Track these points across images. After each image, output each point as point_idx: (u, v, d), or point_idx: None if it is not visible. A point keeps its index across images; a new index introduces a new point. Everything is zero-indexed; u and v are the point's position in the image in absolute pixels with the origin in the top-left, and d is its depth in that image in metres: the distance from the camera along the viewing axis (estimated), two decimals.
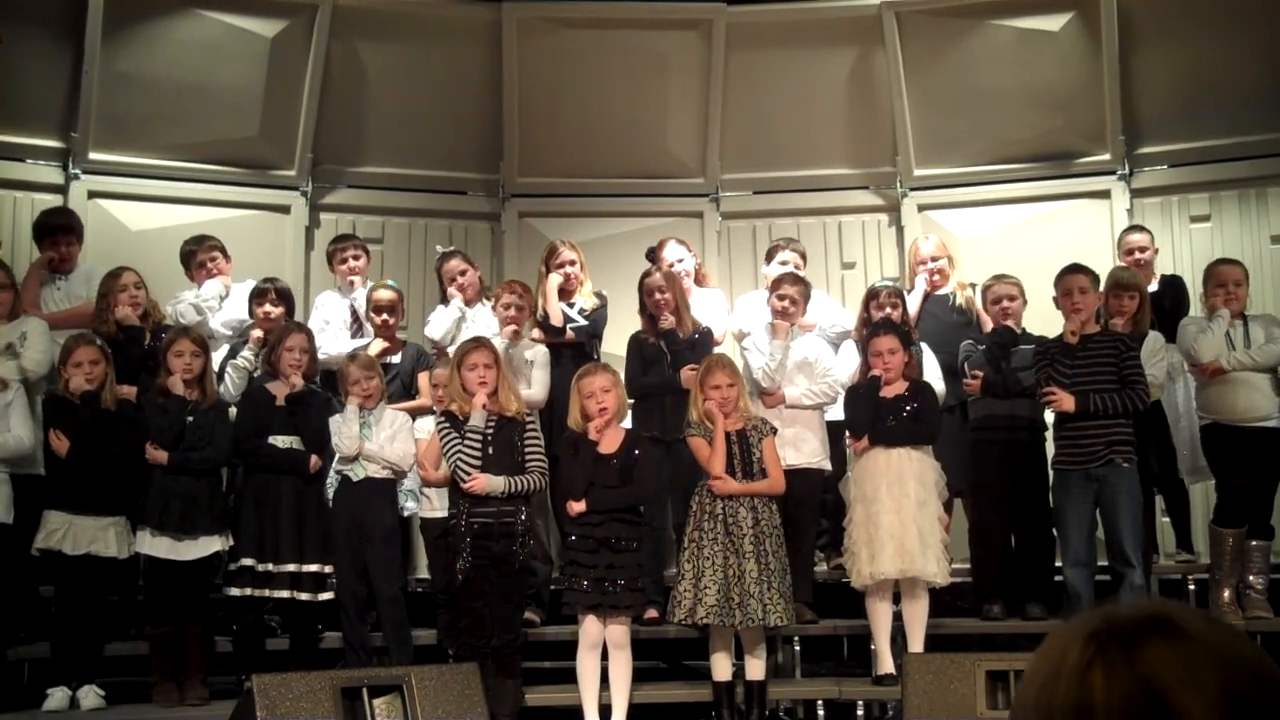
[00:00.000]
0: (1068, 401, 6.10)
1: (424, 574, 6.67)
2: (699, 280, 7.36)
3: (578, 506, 5.71)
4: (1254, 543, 6.31)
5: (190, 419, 5.95)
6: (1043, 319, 6.75)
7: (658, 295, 6.61)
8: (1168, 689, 1.07)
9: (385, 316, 6.75)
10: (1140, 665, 1.09)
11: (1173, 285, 7.17)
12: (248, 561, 5.87)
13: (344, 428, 6.06)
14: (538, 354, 6.63)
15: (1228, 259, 6.85)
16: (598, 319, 6.93)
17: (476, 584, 5.75)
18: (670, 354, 6.56)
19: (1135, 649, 1.10)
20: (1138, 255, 7.21)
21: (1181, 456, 6.74)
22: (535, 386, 6.50)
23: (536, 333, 6.80)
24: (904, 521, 5.85)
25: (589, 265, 7.13)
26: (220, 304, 6.99)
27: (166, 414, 5.92)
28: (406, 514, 6.43)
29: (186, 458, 5.88)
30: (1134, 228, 7.54)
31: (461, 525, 5.77)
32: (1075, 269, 6.41)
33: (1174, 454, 6.73)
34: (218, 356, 6.61)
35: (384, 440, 6.10)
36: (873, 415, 6.06)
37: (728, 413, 5.87)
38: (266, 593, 5.90)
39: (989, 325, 6.77)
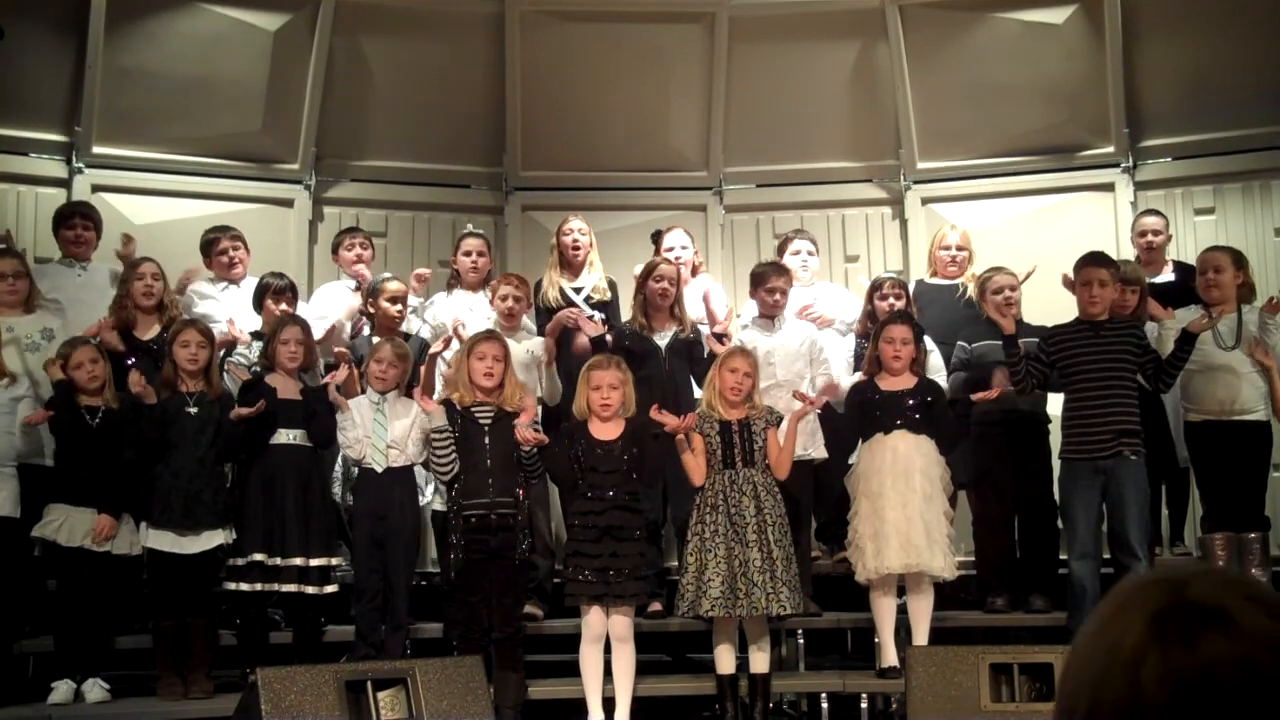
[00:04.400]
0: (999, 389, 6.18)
1: (431, 567, 6.68)
2: (694, 272, 7.38)
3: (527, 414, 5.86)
4: (1251, 535, 6.30)
5: (194, 410, 5.95)
6: (1044, 311, 6.74)
7: (665, 284, 6.59)
8: (1216, 695, 1.03)
9: (400, 307, 6.77)
10: (1192, 666, 1.04)
11: (1189, 274, 7.14)
12: (256, 556, 5.87)
13: (349, 431, 6.05)
14: (540, 346, 6.64)
15: (1215, 246, 6.84)
16: (613, 311, 6.96)
17: (472, 577, 5.75)
18: (667, 348, 6.56)
19: (1191, 645, 1.05)
20: (1150, 238, 7.20)
21: (1181, 441, 6.72)
22: (548, 382, 6.52)
23: (584, 337, 6.74)
24: (910, 516, 5.85)
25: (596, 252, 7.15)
26: (220, 295, 7.00)
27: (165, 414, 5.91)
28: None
29: (204, 454, 5.90)
30: (1150, 211, 7.52)
31: (455, 518, 5.77)
32: (1099, 261, 6.29)
33: (1173, 443, 6.73)
34: None
35: (401, 432, 6.08)
36: (873, 416, 6.06)
37: (736, 401, 5.87)
38: (274, 586, 5.90)
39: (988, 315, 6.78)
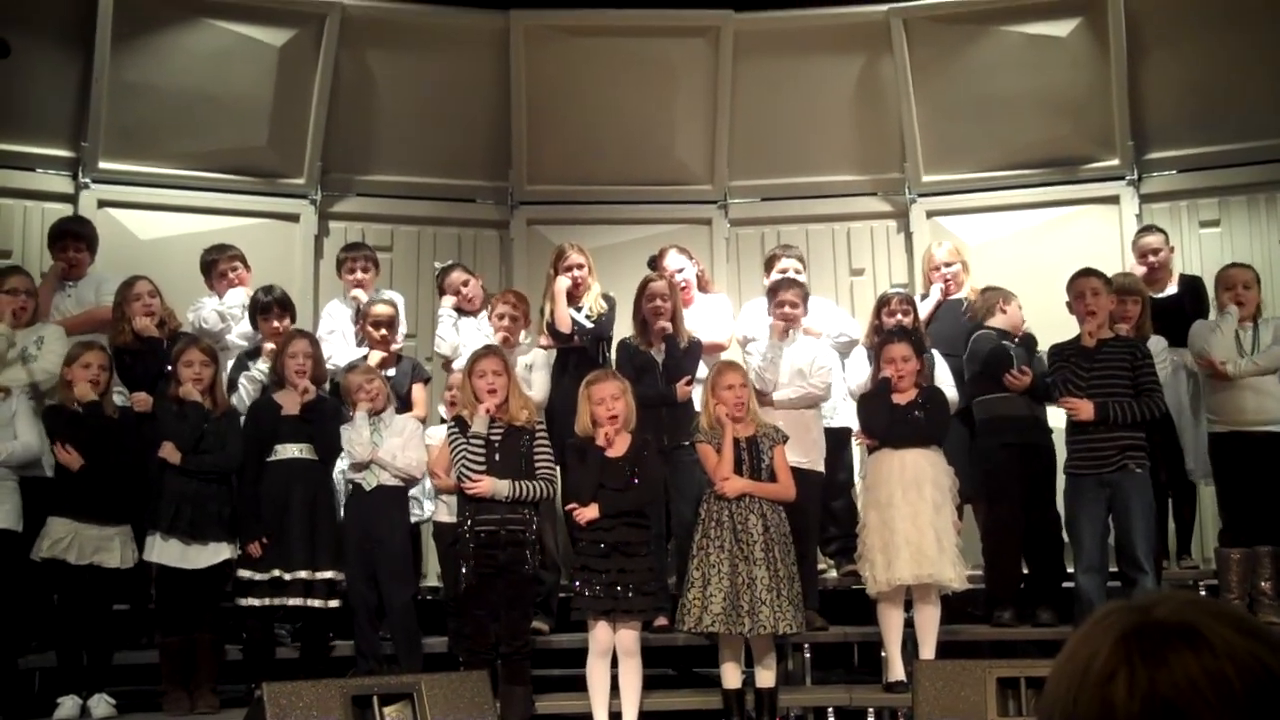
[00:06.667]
0: (1086, 410, 6.09)
1: (434, 581, 6.67)
2: (703, 286, 7.34)
3: (589, 513, 5.70)
4: (1265, 548, 6.27)
5: (204, 426, 5.97)
6: (1051, 327, 6.73)
7: (659, 301, 6.58)
8: (1188, 710, 1.03)
9: (384, 332, 6.76)
10: (1163, 682, 1.04)
11: (1193, 286, 7.13)
12: (264, 572, 5.87)
13: (355, 434, 6.08)
14: (535, 358, 6.66)
15: (1238, 263, 6.85)
16: (605, 322, 6.89)
17: (480, 592, 5.75)
18: (664, 364, 6.55)
19: (1161, 662, 1.06)
20: (1151, 259, 7.16)
21: (1190, 454, 6.71)
22: (535, 389, 6.51)
23: (545, 339, 6.80)
24: (920, 526, 5.84)
25: (597, 272, 7.09)
26: (244, 313, 6.97)
27: (186, 419, 5.95)
28: (415, 520, 6.45)
29: (201, 460, 5.91)
30: (1147, 229, 7.49)
31: (467, 533, 5.77)
32: (1087, 272, 6.41)
33: (1181, 456, 6.71)
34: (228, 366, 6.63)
35: (395, 447, 6.12)
36: (888, 418, 6.06)
37: (739, 416, 5.85)
38: (281, 601, 5.90)
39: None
